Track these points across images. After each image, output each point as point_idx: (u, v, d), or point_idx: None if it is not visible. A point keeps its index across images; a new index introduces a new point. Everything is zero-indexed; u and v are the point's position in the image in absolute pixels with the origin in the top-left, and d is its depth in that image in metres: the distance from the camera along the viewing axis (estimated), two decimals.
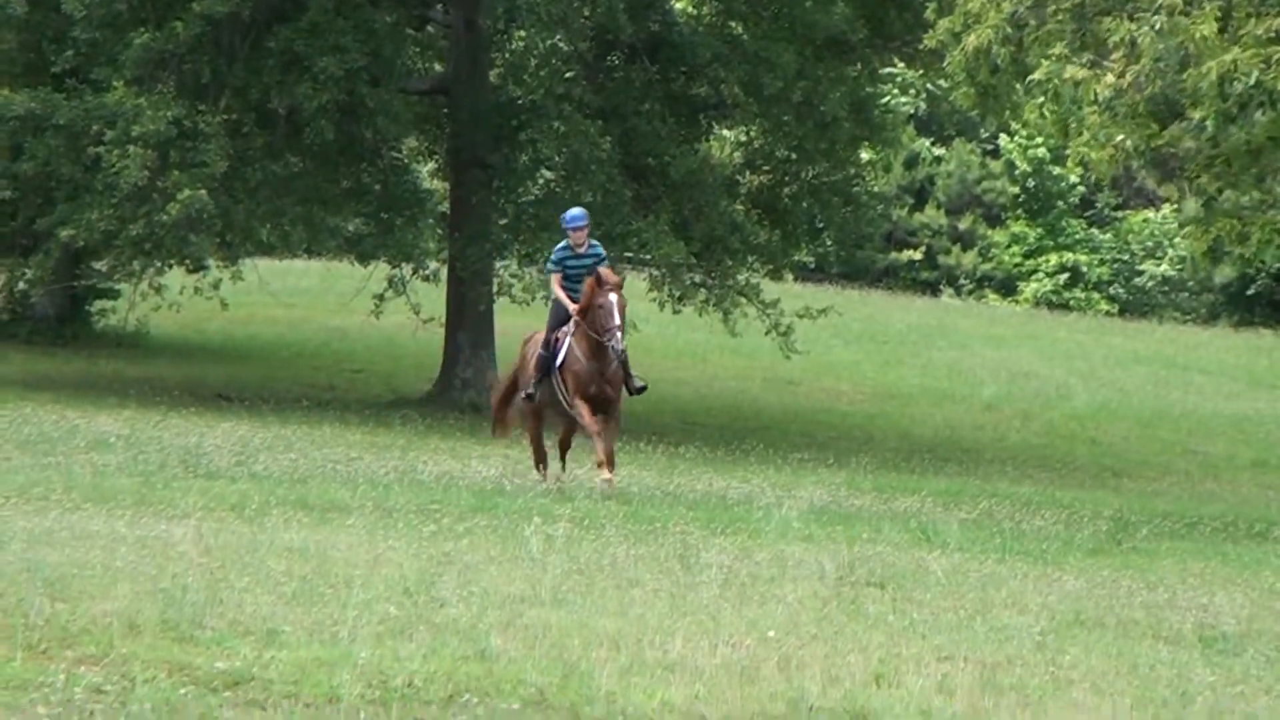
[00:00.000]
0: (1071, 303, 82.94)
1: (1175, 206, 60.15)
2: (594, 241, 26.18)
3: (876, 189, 57.91)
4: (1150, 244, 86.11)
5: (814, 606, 16.98)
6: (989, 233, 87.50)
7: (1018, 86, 32.06)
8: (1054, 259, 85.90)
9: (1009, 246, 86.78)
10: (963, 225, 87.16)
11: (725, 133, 46.07)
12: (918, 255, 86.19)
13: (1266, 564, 23.77)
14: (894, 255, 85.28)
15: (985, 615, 17.45)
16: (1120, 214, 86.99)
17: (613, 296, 24.76)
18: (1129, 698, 13.84)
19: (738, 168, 44.99)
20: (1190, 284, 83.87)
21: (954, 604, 18.06)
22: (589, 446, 26.77)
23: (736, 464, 33.41)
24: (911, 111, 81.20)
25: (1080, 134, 30.18)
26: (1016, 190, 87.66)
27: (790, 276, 48.48)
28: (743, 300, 41.91)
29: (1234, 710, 13.77)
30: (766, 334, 41.82)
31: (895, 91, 72.57)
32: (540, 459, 27.13)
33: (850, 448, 37.65)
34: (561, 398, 25.69)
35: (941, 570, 20.56)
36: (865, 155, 48.01)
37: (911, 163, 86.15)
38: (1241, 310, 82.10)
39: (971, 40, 30.59)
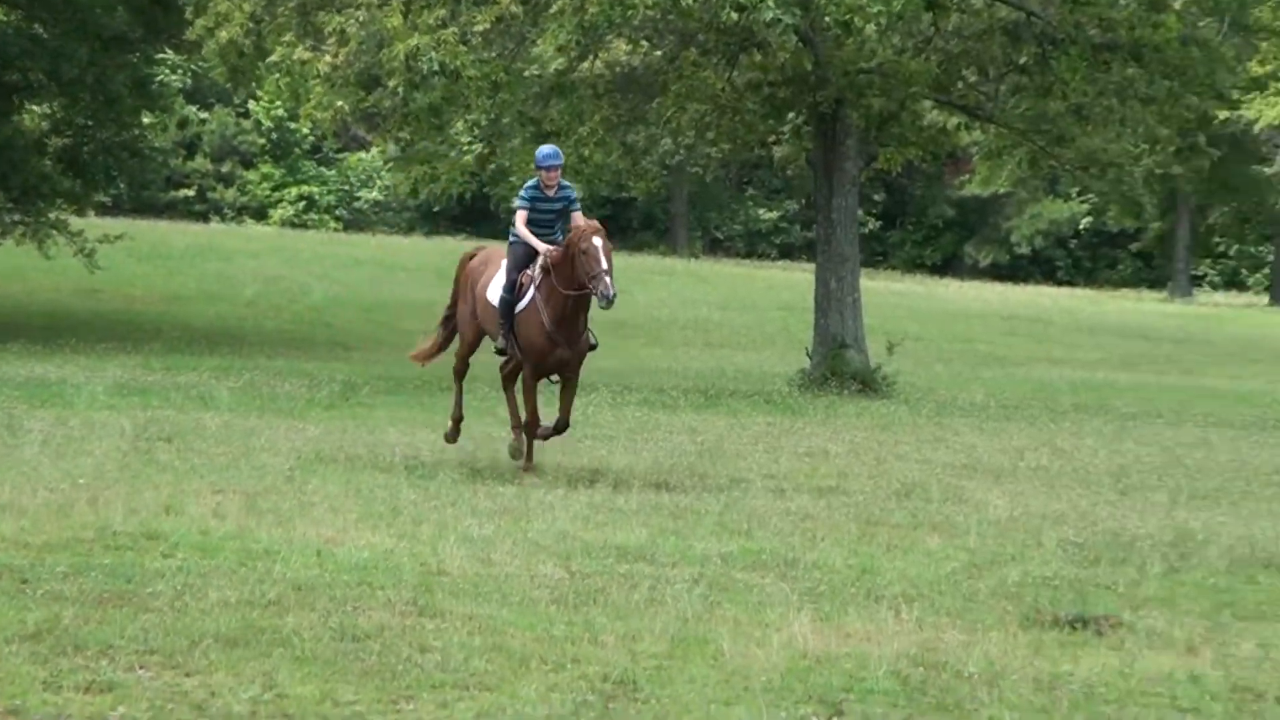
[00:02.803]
0: (309, 223, 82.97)
1: (381, 149, 60.49)
2: (565, 182, 18.27)
3: (158, 145, 57.46)
4: (365, 176, 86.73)
5: (116, 458, 16.66)
6: (245, 173, 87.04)
7: (260, 66, 32.09)
8: (294, 191, 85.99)
9: (260, 183, 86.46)
10: (225, 169, 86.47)
11: (34, 108, 44.69)
12: (191, 193, 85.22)
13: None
14: (174, 193, 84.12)
15: (248, 458, 17.36)
16: (342, 155, 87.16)
17: (597, 240, 17.35)
18: (355, 513, 13.95)
19: (45, 133, 43.80)
20: (394, 205, 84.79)
21: (225, 450, 17.92)
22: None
23: (54, 355, 32.39)
24: (181, 86, 79.81)
25: (309, 100, 30.37)
26: (264, 141, 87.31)
27: (93, 213, 47.27)
28: (54, 232, 41.04)
29: (429, 519, 13.99)
30: (74, 256, 40.91)
31: (168, 71, 71.20)
32: (531, 414, 18.11)
33: (144, 339, 36.89)
34: (516, 348, 17.97)
35: (215, 426, 20.37)
36: (147, 119, 47.25)
37: (184, 124, 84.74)
38: (430, 223, 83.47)
39: (223, 34, 30.61)
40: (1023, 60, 32.06)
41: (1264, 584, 12.88)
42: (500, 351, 18.21)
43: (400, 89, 28.77)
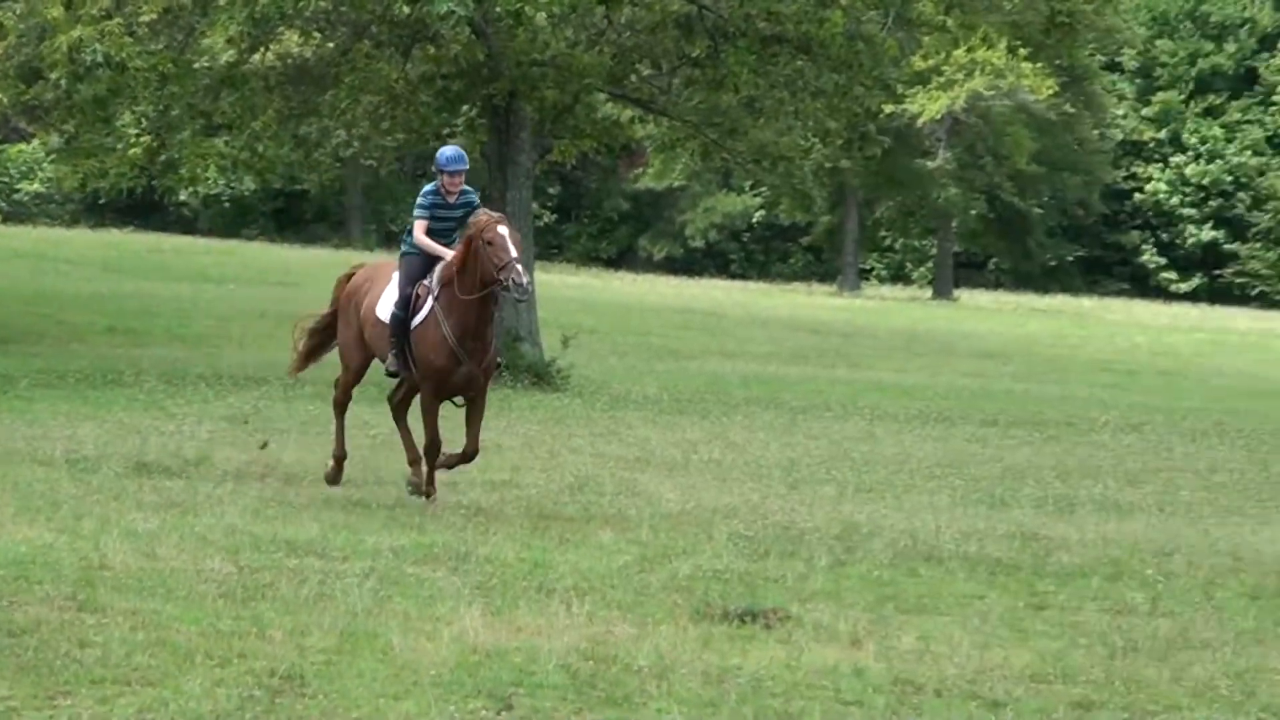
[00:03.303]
0: None
1: (44, 141, 59.27)
2: (467, 188, 16.02)
3: None
4: (25, 168, 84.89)
5: None
6: None
7: None
8: None
9: None
10: None
11: None
12: None
13: (117, 404, 23.70)
14: None
15: None
16: (1, 147, 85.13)
17: (503, 229, 15.23)
18: (12, 508, 13.66)
19: None
20: (57, 197, 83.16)
21: None
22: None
23: None
24: None
25: None
26: None
27: None
28: None
29: (91, 513, 13.71)
30: None
31: None
32: (432, 437, 15.81)
33: None
34: (412, 368, 15.77)
35: None
36: None
37: None
38: (96, 216, 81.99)
39: None
40: (695, 53, 32.46)
41: (925, 576, 13.21)
42: (391, 373, 15.99)
43: (63, 81, 28.21)
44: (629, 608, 11.36)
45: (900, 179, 79.88)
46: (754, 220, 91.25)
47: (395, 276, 15.93)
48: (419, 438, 15.95)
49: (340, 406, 16.85)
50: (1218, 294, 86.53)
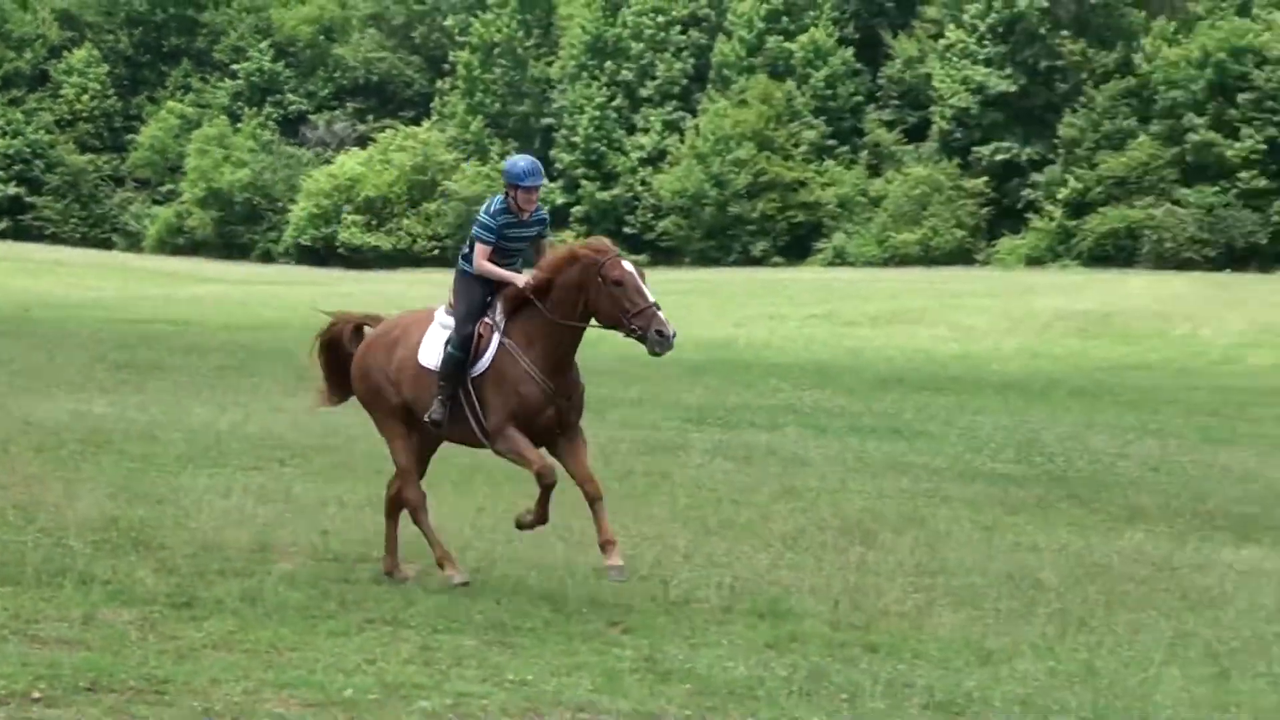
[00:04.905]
0: None
1: None
2: (539, 203, 10.68)
3: None
4: None
5: None
6: None
7: None
8: None
9: None
10: None
11: None
12: None
13: None
14: None
15: None
16: None
17: (629, 265, 10.06)
18: None
19: None
20: None
21: None
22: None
23: None
24: None
25: None
26: None
27: None
28: None
29: None
30: None
31: None
32: (537, 457, 10.25)
33: None
34: (473, 421, 10.39)
35: None
36: None
37: None
38: None
39: None
40: None
41: None
42: (435, 424, 10.57)
43: None
44: None
45: None
46: None
47: (436, 317, 10.88)
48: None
49: (417, 507, 10.93)
50: (21, 232, 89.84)
